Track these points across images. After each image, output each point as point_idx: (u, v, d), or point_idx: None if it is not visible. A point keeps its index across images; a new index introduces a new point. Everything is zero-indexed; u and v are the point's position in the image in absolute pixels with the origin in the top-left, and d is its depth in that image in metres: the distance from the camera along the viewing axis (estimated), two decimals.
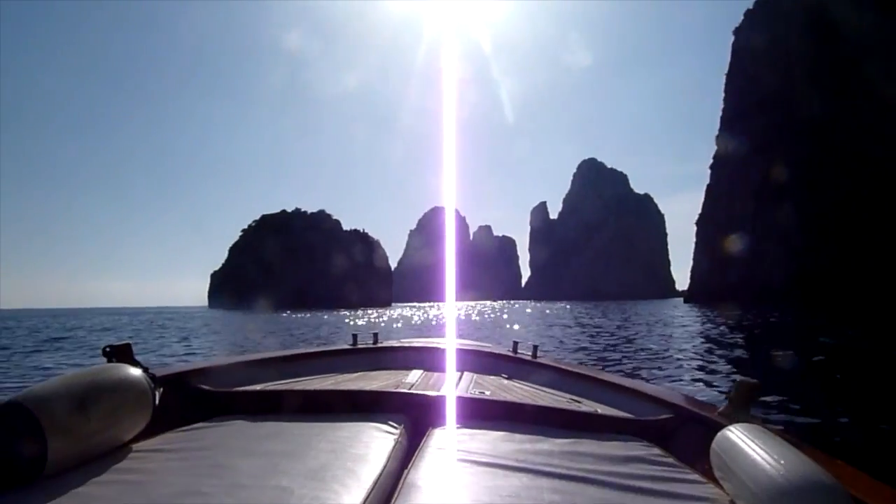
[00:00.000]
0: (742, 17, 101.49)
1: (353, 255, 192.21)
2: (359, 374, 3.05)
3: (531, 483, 1.43)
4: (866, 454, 4.67)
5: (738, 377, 1.94)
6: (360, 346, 3.65)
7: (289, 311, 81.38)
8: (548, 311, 55.16)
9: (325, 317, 52.91)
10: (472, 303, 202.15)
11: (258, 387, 2.50)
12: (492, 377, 3.10)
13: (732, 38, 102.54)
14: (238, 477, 1.36)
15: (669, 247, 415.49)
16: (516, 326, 28.20)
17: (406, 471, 1.48)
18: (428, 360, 3.49)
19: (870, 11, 79.04)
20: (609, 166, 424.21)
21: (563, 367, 3.16)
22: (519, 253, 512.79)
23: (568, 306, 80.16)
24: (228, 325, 37.19)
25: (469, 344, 3.98)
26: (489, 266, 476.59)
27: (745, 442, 1.49)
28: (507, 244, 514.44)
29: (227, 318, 53.99)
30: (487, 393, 2.54)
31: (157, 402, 1.77)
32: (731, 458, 1.49)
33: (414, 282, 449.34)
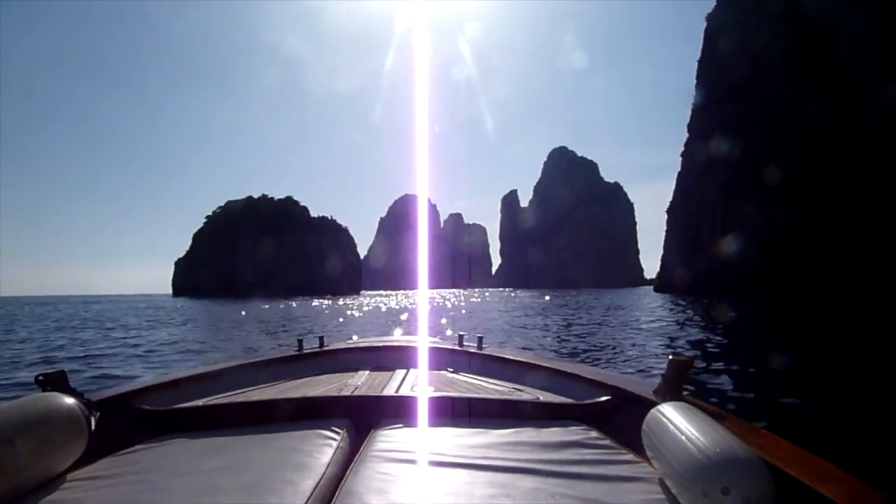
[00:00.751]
0: (714, 3, 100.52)
1: (321, 242, 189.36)
2: (305, 380, 3.03)
3: (469, 478, 1.43)
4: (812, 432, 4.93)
5: (671, 356, 1.94)
6: (306, 351, 3.56)
7: (254, 300, 79.54)
8: (525, 301, 53.83)
9: (294, 304, 51.54)
10: (443, 291, 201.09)
11: (199, 402, 2.46)
12: (437, 372, 3.14)
13: (705, 24, 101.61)
14: (171, 499, 1.33)
15: (639, 236, 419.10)
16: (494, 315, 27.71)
17: (345, 476, 1.49)
18: (374, 360, 3.52)
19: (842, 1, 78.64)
20: (580, 155, 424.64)
21: (507, 356, 3.17)
22: (489, 241, 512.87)
23: (547, 297, 78.46)
24: (185, 315, 35.18)
25: (416, 340, 3.96)
26: (459, 254, 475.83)
27: (670, 420, 1.53)
28: (478, 232, 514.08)
29: (189, 307, 52.08)
30: (431, 389, 2.64)
31: (92, 427, 1.74)
32: (658, 437, 1.53)
33: (384, 270, 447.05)
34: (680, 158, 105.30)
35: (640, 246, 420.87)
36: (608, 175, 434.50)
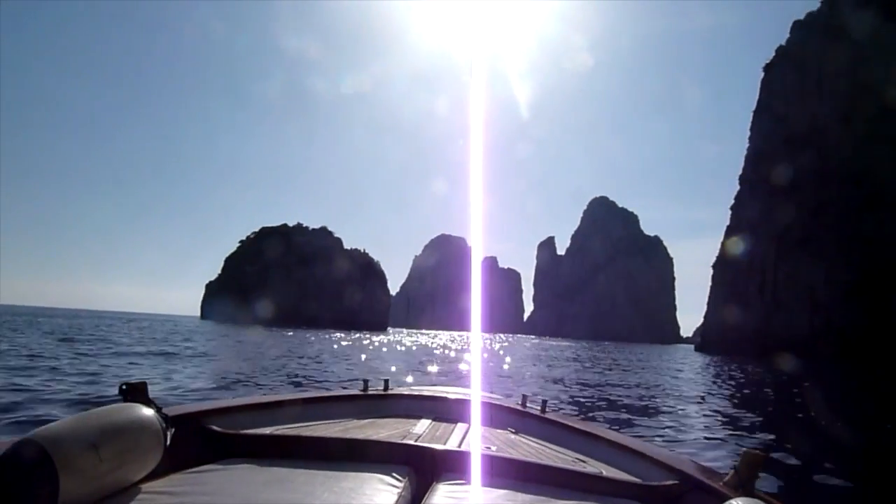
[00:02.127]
0: (773, 54, 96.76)
1: (352, 275, 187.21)
2: (367, 421, 3.09)
3: None
4: None
5: (745, 448, 1.93)
6: (370, 392, 3.64)
7: (279, 328, 78.83)
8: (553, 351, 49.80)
9: (312, 338, 48.86)
10: (470, 334, 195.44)
11: (268, 430, 2.53)
12: (499, 431, 3.12)
13: (762, 75, 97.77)
14: None
15: (677, 292, 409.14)
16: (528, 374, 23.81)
17: None
18: (436, 409, 3.52)
19: None
20: (620, 206, 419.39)
21: (570, 423, 3.17)
22: (523, 287, 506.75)
23: (579, 346, 73.92)
24: (206, 338, 33.97)
25: (478, 395, 3.87)
26: (492, 298, 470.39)
27: None
28: (512, 277, 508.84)
29: (213, 330, 50.84)
30: (493, 448, 2.59)
31: (168, 442, 1.79)
32: None
33: (415, 308, 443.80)
34: (725, 215, 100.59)
35: (677, 303, 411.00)
36: (648, 228, 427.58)
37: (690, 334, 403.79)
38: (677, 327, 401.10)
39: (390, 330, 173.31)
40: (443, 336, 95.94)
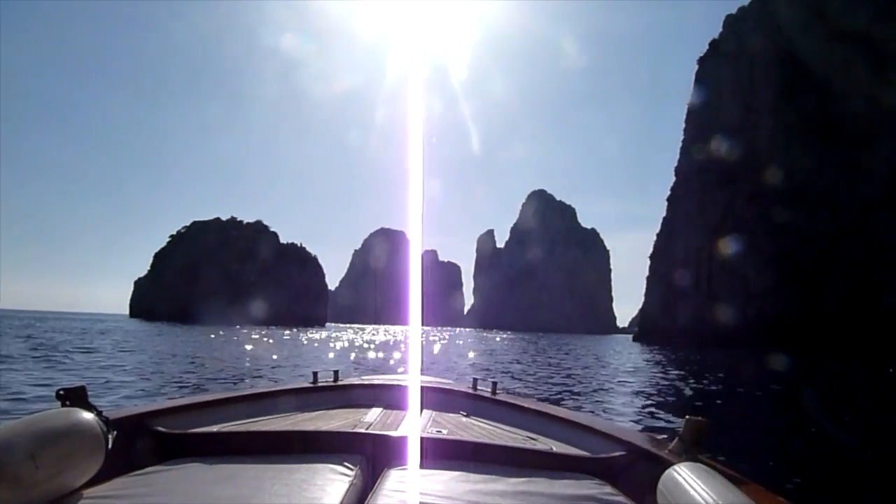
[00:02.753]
0: (707, 47, 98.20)
1: (289, 269, 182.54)
2: (318, 412, 3.09)
3: None
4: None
5: (688, 416, 2.01)
6: (320, 385, 3.60)
7: (211, 325, 77.03)
8: (495, 342, 48.52)
9: (235, 337, 45.38)
10: (409, 328, 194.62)
11: (215, 428, 2.51)
12: (451, 415, 3.16)
13: (696, 68, 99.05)
14: None
15: (613, 284, 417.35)
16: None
17: None
18: (388, 397, 3.53)
19: (837, 47, 76.27)
20: (558, 199, 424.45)
21: (521, 403, 3.21)
22: (463, 280, 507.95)
23: (508, 337, 73.36)
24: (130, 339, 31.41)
25: (429, 381, 3.94)
26: (432, 292, 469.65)
27: (687, 481, 1.55)
28: (453, 270, 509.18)
29: (139, 331, 47.37)
30: (445, 432, 2.65)
31: (109, 446, 1.75)
32: (674, 497, 1.54)
33: (355, 303, 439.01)
34: (660, 208, 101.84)
35: (613, 294, 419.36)
36: (585, 221, 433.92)
37: (626, 324, 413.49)
38: (614, 318, 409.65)
39: (329, 325, 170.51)
40: (382, 331, 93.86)
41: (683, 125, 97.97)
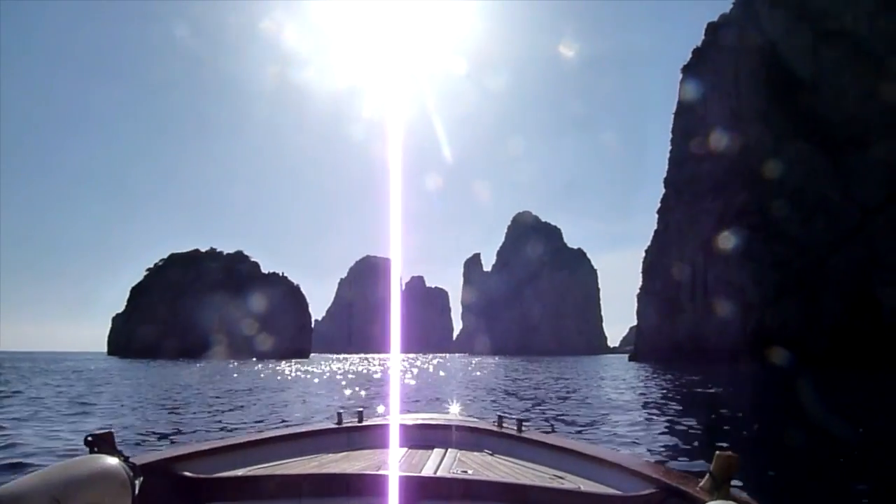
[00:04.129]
0: (690, 55, 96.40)
1: (272, 300, 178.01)
2: (343, 454, 3.12)
3: None
4: None
5: (717, 451, 1.95)
6: (344, 425, 3.63)
7: (195, 360, 75.87)
8: (478, 369, 44.99)
9: (230, 366, 47.31)
10: (404, 355, 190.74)
11: (241, 471, 2.56)
12: (476, 454, 3.16)
13: (680, 76, 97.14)
14: None
15: (602, 303, 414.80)
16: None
17: None
18: (412, 437, 3.54)
19: (824, 47, 74.43)
20: (543, 220, 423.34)
21: (547, 441, 3.21)
22: (451, 305, 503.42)
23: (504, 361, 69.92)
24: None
25: (454, 419, 3.98)
26: (420, 318, 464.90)
27: None
28: (440, 296, 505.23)
29: (117, 368, 46.14)
30: (470, 472, 2.65)
31: (136, 492, 1.74)
32: None
33: (342, 332, 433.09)
34: (647, 226, 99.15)
35: (602, 314, 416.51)
36: (571, 242, 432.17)
37: (617, 344, 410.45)
38: (605, 338, 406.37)
39: (313, 356, 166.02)
40: (366, 361, 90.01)
41: (670, 136, 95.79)
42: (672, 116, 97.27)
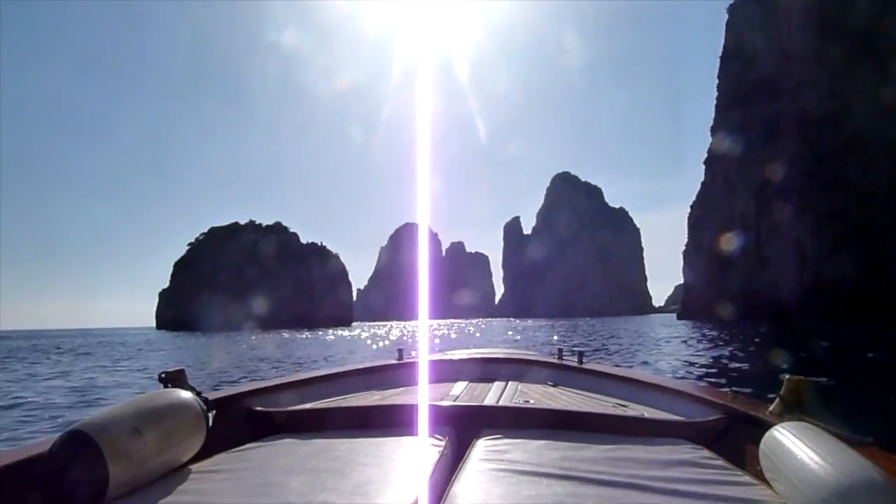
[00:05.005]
0: None
1: (310, 269, 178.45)
2: (404, 388, 3.16)
3: (575, 490, 1.43)
4: None
5: (786, 375, 1.92)
6: (405, 361, 3.69)
7: (236, 332, 77.05)
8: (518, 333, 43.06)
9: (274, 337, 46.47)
10: (445, 321, 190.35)
11: (307, 405, 2.64)
12: (537, 385, 3.16)
13: (726, 17, 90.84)
14: (287, 495, 1.43)
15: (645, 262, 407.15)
16: None
17: (450, 483, 1.52)
18: (473, 371, 3.54)
19: None
20: (583, 180, 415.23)
21: (609, 371, 3.24)
22: (492, 270, 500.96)
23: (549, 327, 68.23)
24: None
25: (514, 353, 3.99)
26: (462, 283, 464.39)
27: (793, 441, 1.49)
28: (481, 261, 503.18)
29: (179, 342, 47.67)
30: (532, 401, 2.64)
31: (209, 424, 1.86)
32: (779, 459, 1.49)
33: (385, 300, 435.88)
34: (688, 183, 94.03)
35: (646, 273, 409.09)
36: (612, 201, 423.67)
37: (663, 303, 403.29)
38: (649, 297, 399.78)
39: (355, 325, 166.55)
40: (406, 327, 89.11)
41: (716, 80, 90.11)
42: (717, 60, 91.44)
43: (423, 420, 2.06)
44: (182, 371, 1.98)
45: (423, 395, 2.75)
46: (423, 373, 3.45)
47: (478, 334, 39.00)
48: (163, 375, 1.94)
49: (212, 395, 2.19)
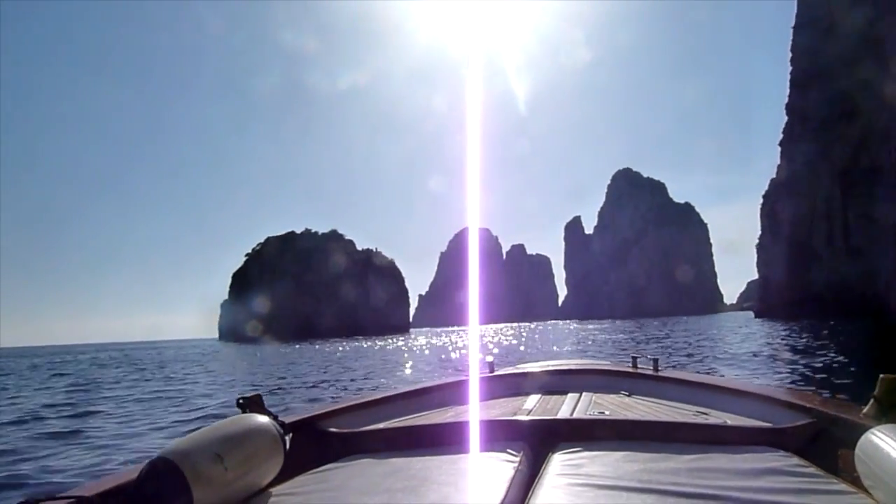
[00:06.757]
0: None
1: (367, 277, 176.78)
2: (476, 404, 3.15)
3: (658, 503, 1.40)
4: None
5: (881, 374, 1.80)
6: (476, 376, 3.66)
7: (295, 342, 77.56)
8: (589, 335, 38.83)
9: (334, 347, 47.67)
10: (504, 325, 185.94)
11: (381, 425, 2.68)
12: (611, 396, 3.12)
13: None
14: None
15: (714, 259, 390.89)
16: None
17: (527, 499, 1.50)
18: (545, 383, 3.51)
19: None
20: (645, 176, 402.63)
21: (687, 378, 3.15)
22: (554, 271, 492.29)
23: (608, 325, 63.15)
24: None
25: (587, 363, 3.96)
26: (523, 286, 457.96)
27: (893, 445, 1.40)
28: (542, 263, 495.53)
29: (232, 352, 49.94)
30: (607, 413, 2.62)
31: (287, 447, 1.91)
32: (878, 464, 1.40)
33: (446, 305, 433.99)
34: (757, 176, 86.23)
35: (715, 269, 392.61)
36: (678, 196, 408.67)
37: (734, 301, 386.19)
38: (720, 295, 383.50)
39: (412, 332, 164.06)
40: (463, 333, 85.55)
41: (790, 54, 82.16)
42: (791, 31, 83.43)
43: (494, 436, 2.04)
44: (259, 396, 2.04)
45: (483, 411, 2.75)
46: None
47: (539, 344, 35.72)
48: (241, 401, 2.00)
49: (288, 419, 2.25)
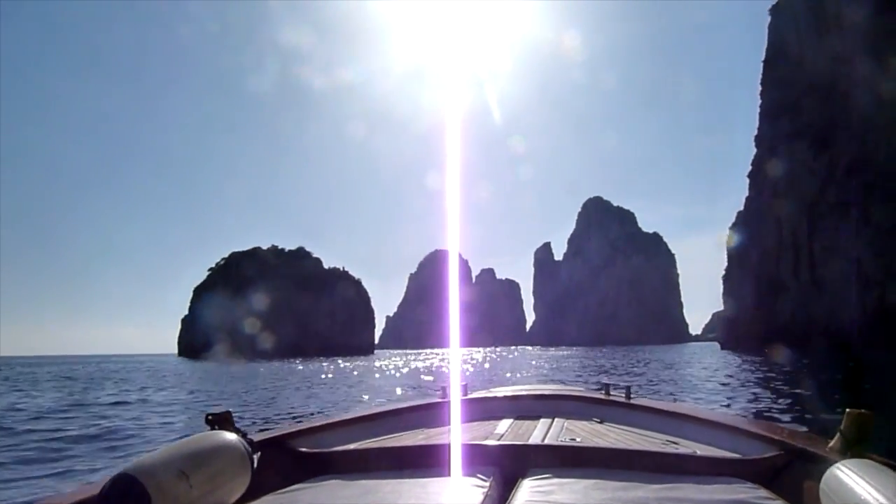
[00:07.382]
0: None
1: (333, 296, 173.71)
2: (448, 427, 3.14)
3: None
4: None
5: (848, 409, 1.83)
6: (449, 399, 3.64)
7: (257, 360, 75.38)
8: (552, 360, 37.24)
9: (291, 367, 45.34)
10: (473, 349, 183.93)
11: (352, 446, 2.67)
12: (583, 422, 3.12)
13: (769, 18, 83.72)
14: None
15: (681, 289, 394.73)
16: None
17: None
18: (518, 408, 3.52)
19: None
20: (615, 204, 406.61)
21: (658, 407, 3.18)
22: (523, 297, 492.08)
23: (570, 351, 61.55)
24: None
25: (560, 389, 3.97)
26: (492, 311, 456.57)
27: (856, 479, 1.41)
28: (511, 288, 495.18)
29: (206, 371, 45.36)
30: (578, 439, 2.61)
31: (254, 466, 1.90)
32: (841, 498, 1.41)
33: (415, 327, 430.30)
34: (724, 208, 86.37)
35: (682, 300, 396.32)
36: (646, 226, 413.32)
37: (700, 332, 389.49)
38: (685, 325, 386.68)
39: (378, 353, 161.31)
40: (434, 355, 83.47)
41: (759, 87, 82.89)
42: (760, 66, 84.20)
43: (465, 460, 2.02)
44: (228, 413, 2.00)
45: (455, 435, 2.59)
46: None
47: (505, 372, 33.69)
48: (209, 417, 1.96)
49: (257, 437, 2.21)
